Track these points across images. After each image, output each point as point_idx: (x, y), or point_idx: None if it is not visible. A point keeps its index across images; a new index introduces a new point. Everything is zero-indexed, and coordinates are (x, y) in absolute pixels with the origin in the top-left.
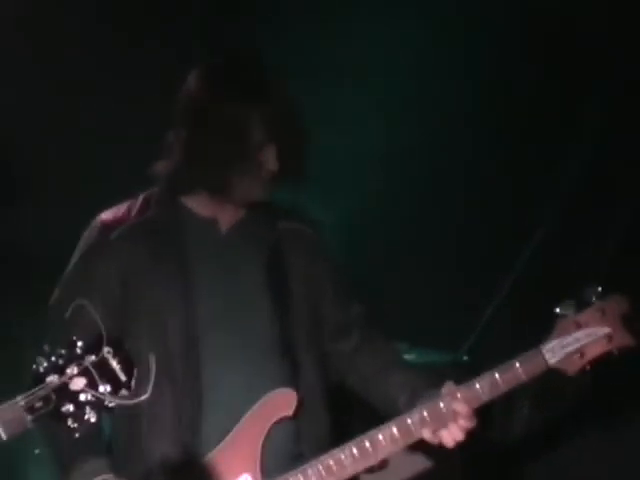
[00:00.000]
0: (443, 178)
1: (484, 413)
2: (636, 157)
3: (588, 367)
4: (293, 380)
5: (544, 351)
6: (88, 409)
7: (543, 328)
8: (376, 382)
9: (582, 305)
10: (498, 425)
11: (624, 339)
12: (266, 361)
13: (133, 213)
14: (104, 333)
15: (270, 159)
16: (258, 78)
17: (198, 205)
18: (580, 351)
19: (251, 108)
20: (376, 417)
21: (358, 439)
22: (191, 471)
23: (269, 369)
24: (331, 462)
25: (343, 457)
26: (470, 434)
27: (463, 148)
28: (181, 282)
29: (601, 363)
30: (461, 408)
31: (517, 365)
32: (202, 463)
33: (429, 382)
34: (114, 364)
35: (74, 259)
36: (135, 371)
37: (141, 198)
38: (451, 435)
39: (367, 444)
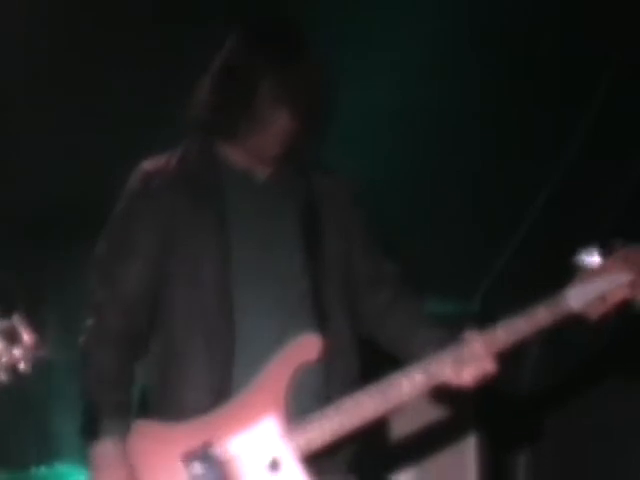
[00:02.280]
0: (459, 130)
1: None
2: None
3: (610, 312)
4: (323, 326)
5: (567, 296)
6: None
7: (556, 278)
8: (405, 337)
9: (606, 252)
10: (508, 375)
11: None
12: (297, 308)
13: (173, 162)
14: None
15: (281, 120)
16: (283, 42)
17: (235, 155)
18: (602, 297)
19: (268, 66)
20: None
21: (381, 382)
22: (218, 414)
23: (300, 316)
24: (353, 404)
25: (365, 399)
26: (486, 381)
27: (478, 102)
28: (217, 230)
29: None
30: (483, 350)
31: (540, 310)
32: (228, 406)
33: (455, 339)
34: (21, 330)
35: (117, 208)
36: (39, 338)
37: (181, 148)
38: (471, 374)
39: (390, 386)
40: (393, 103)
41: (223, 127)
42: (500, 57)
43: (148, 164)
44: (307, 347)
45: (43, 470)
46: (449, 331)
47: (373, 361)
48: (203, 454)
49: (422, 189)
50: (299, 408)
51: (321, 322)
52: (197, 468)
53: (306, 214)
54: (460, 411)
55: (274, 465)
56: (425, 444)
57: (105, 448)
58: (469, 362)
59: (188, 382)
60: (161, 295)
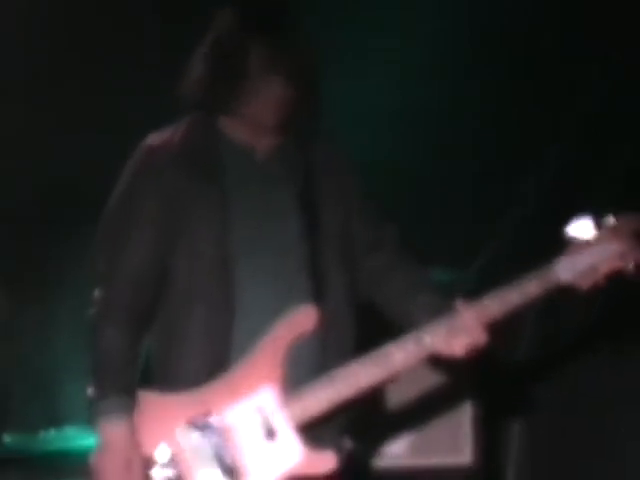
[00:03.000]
0: (463, 114)
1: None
2: None
3: (601, 282)
4: (320, 297)
5: (557, 267)
6: None
7: (551, 248)
8: (402, 301)
9: (596, 224)
10: (505, 345)
11: (637, 255)
12: (296, 279)
13: (176, 138)
14: None
15: (274, 87)
16: (269, 11)
17: (236, 131)
18: (593, 267)
19: (257, 36)
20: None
21: (376, 352)
22: (216, 384)
23: (298, 287)
24: (348, 374)
25: (360, 369)
26: (481, 351)
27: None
28: (218, 205)
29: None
30: (474, 321)
31: (530, 281)
32: (226, 376)
33: (449, 308)
34: None
35: (122, 181)
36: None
37: (184, 123)
38: (462, 344)
39: (384, 356)
40: (394, 102)
41: (218, 101)
42: (500, 57)
43: (152, 139)
44: (303, 319)
45: (52, 433)
46: (445, 298)
47: (369, 331)
48: (202, 423)
49: (424, 165)
50: (296, 378)
51: (318, 293)
52: (196, 437)
53: (304, 187)
54: (456, 379)
55: (270, 434)
56: (421, 412)
57: (112, 425)
58: (460, 333)
59: (188, 353)
60: (165, 268)
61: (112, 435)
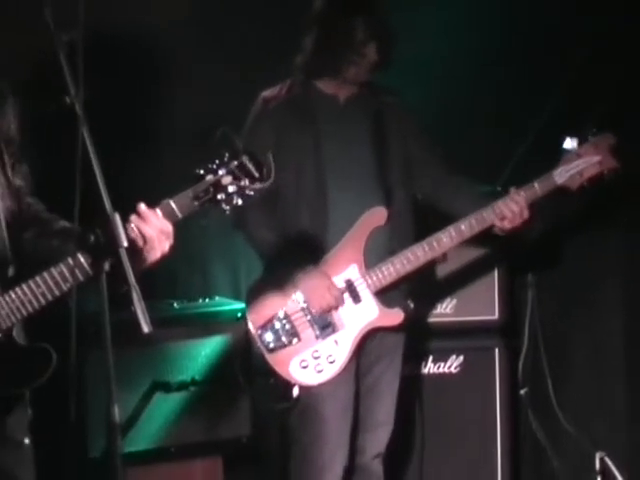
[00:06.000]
0: (488, 56)
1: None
2: None
3: (586, 184)
4: (389, 202)
5: (554, 174)
6: (235, 196)
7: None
8: (454, 200)
9: (581, 141)
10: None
11: (611, 163)
12: (370, 189)
13: (283, 91)
14: (241, 146)
15: (371, 53)
16: None
17: (325, 85)
18: (579, 173)
19: (357, 17)
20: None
21: (429, 238)
22: (319, 264)
23: (372, 195)
24: (410, 255)
25: (419, 251)
26: (516, 229)
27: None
28: (313, 136)
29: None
30: (522, 203)
31: (535, 184)
32: (325, 259)
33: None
34: (250, 166)
35: (248, 120)
36: (264, 169)
37: (289, 81)
38: (508, 223)
39: (434, 241)
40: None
41: (330, 65)
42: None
43: (266, 93)
44: (377, 216)
45: (206, 301)
46: (486, 196)
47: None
48: None
49: (462, 104)
50: (373, 258)
51: (387, 199)
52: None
53: (374, 121)
54: (487, 255)
55: (356, 298)
56: (461, 280)
57: (304, 272)
58: (508, 213)
59: (298, 243)
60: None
61: (309, 274)
